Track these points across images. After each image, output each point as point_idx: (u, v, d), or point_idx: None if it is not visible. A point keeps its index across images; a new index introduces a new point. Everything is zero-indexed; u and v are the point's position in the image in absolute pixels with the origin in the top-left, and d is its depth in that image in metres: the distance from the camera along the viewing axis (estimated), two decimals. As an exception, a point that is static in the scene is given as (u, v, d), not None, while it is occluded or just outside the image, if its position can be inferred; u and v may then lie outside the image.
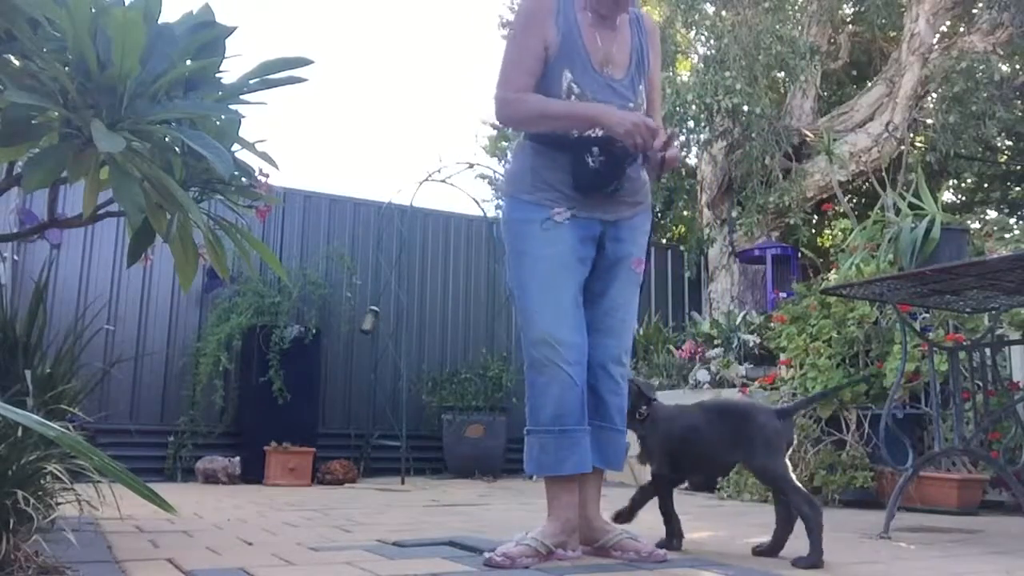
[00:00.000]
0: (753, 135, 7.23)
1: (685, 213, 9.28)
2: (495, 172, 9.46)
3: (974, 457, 3.73)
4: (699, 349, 6.14)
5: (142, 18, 1.87)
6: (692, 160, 8.46)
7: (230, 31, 2.19)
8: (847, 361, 4.51)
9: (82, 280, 5.72)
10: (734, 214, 7.90)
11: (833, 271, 5.02)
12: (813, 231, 8.98)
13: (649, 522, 2.44)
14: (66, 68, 1.92)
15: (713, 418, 2.36)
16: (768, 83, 7.89)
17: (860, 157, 7.56)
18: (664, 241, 8.82)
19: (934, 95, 7.75)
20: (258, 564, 1.97)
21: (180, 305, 6.04)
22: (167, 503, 1.15)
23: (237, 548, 2.29)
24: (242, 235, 2.46)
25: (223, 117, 2.25)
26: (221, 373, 5.70)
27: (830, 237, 9.25)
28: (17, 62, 2.01)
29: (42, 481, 1.83)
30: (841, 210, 7.51)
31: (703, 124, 7.43)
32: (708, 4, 7.89)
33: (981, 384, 3.15)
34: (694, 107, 7.05)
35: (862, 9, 9.01)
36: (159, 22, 2.07)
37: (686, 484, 4.96)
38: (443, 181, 6.76)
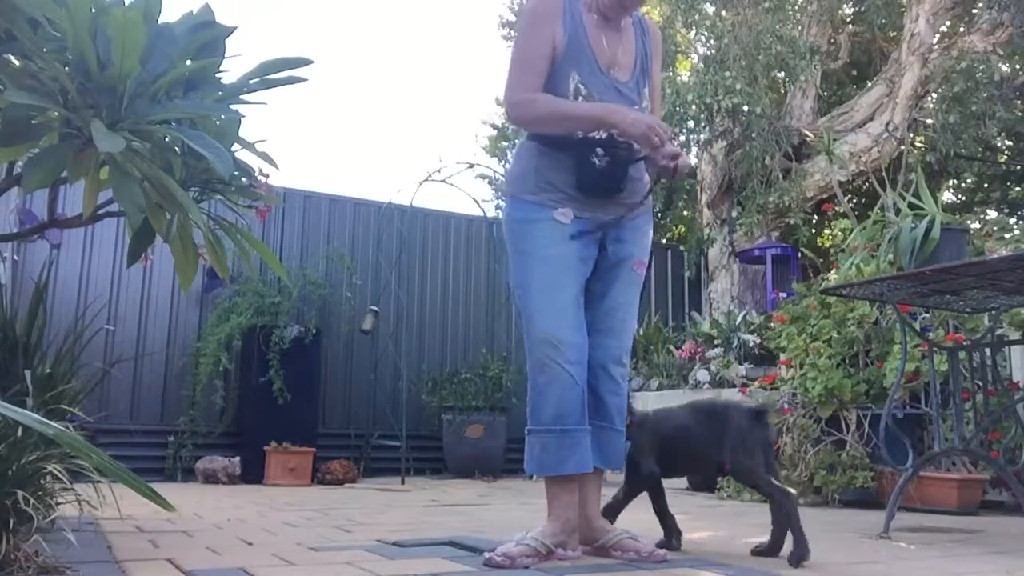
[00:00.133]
0: (753, 135, 7.23)
1: (685, 213, 9.29)
2: (495, 172, 9.46)
3: (974, 457, 3.73)
4: (699, 349, 6.14)
5: (142, 18, 1.87)
6: (692, 160, 8.45)
7: (230, 31, 2.19)
8: (847, 361, 4.51)
9: (82, 280, 5.72)
10: (734, 214, 7.90)
11: (833, 271, 5.01)
12: (813, 231, 8.98)
13: (649, 522, 2.44)
14: (66, 68, 1.92)
15: (694, 418, 2.39)
16: (768, 83, 7.90)
17: (860, 157, 7.56)
18: (664, 241, 8.82)
19: (934, 95, 7.75)
20: (258, 564, 1.97)
21: (180, 305, 6.05)
22: (167, 502, 1.15)
23: (237, 548, 2.29)
24: (242, 235, 2.46)
25: (223, 117, 2.25)
26: (221, 373, 5.70)
27: (830, 237, 9.25)
28: (17, 62, 2.00)
29: (42, 481, 1.83)
30: (841, 210, 7.51)
31: (703, 124, 7.43)
32: (708, 4, 7.89)
33: (981, 384, 3.15)
34: (694, 107, 7.05)
35: (862, 9, 9.01)
36: (159, 22, 2.07)
37: (687, 484, 4.98)
38: (443, 181, 6.77)
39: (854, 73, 9.74)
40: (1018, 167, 10.07)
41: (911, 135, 7.87)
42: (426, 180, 6.71)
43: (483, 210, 7.47)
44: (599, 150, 2.20)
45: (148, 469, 5.45)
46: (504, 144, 11.20)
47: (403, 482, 5.65)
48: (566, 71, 2.23)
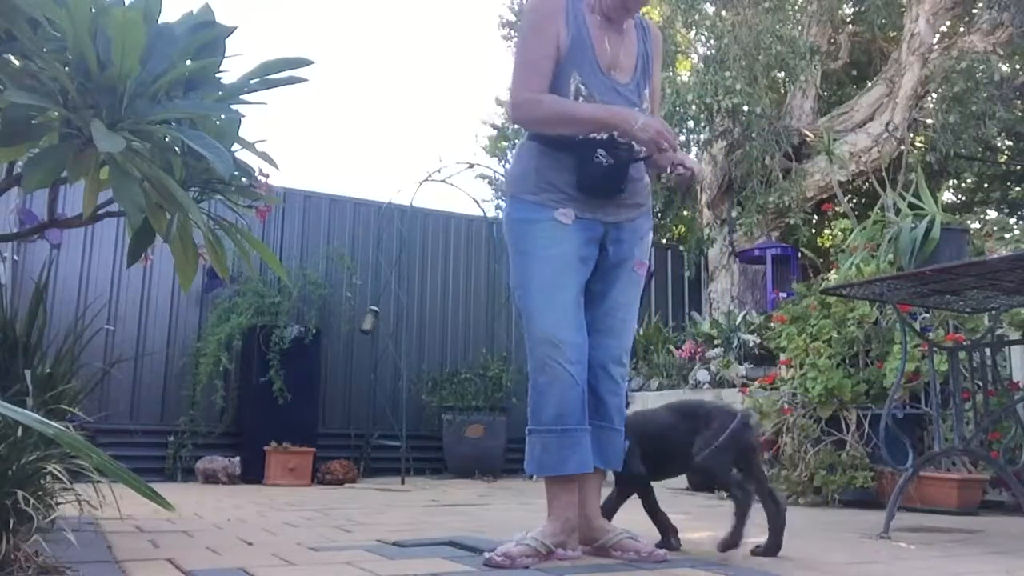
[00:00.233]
0: (753, 135, 7.23)
1: (685, 213, 9.28)
2: (495, 172, 9.47)
3: (974, 457, 3.73)
4: (699, 349, 6.14)
5: (142, 18, 1.87)
6: (690, 159, 8.45)
7: (230, 31, 2.19)
8: (847, 361, 4.51)
9: (82, 280, 5.72)
10: (734, 214, 7.91)
11: (833, 271, 5.01)
12: (813, 231, 8.98)
13: (649, 522, 2.44)
14: (66, 68, 1.92)
15: (677, 419, 2.40)
16: (768, 83, 7.90)
17: (860, 157, 7.56)
18: (664, 241, 8.82)
19: (934, 95, 7.75)
20: (258, 564, 1.97)
21: (180, 305, 6.05)
22: (166, 501, 1.15)
23: (237, 548, 2.29)
24: (242, 235, 2.46)
25: (223, 117, 2.25)
26: (221, 373, 5.70)
27: (830, 237, 9.26)
28: (17, 62, 2.01)
29: (42, 481, 1.83)
30: (841, 210, 7.51)
31: (703, 124, 7.44)
32: (708, 4, 7.89)
33: (981, 384, 3.15)
34: (694, 107, 7.05)
35: (862, 9, 9.02)
36: (159, 22, 2.07)
37: (686, 484, 4.98)
38: (443, 181, 6.77)
39: (854, 73, 9.74)
40: (1018, 167, 10.07)
41: (911, 135, 7.87)
42: (426, 180, 6.72)
43: (483, 210, 7.48)
44: (600, 151, 2.20)
45: (148, 469, 5.45)
46: (504, 144, 11.20)
47: (403, 482, 5.65)
48: (568, 72, 2.23)
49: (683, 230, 9.30)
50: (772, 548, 2.28)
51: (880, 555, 2.39)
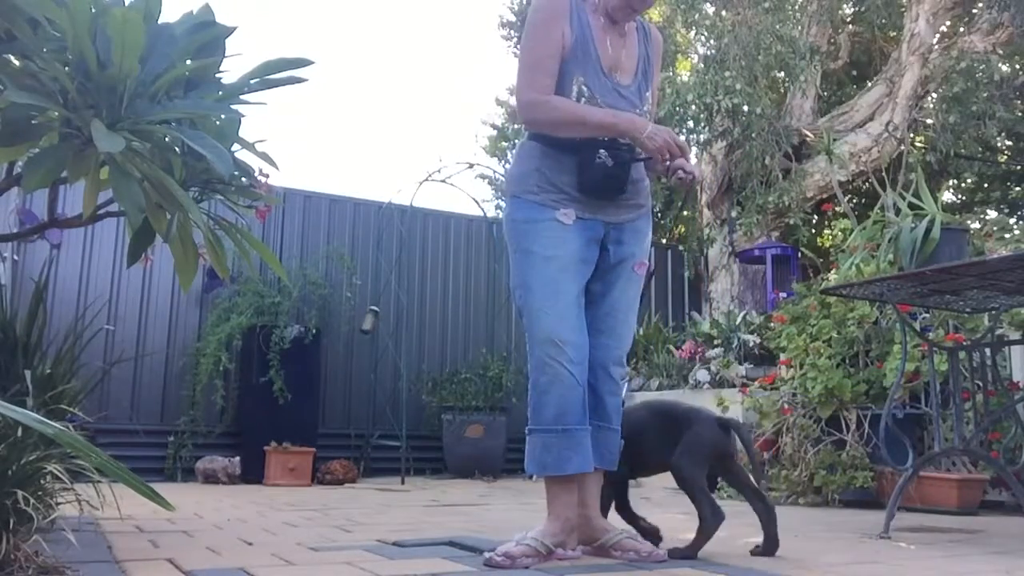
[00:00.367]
0: (753, 135, 7.23)
1: (685, 213, 9.29)
2: (495, 172, 9.47)
3: (974, 457, 3.73)
4: (699, 349, 6.14)
5: (142, 18, 1.87)
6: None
7: (230, 31, 2.19)
8: (847, 361, 4.51)
9: (82, 280, 5.72)
10: (734, 214, 7.91)
11: (833, 271, 5.02)
12: (813, 231, 8.98)
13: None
14: (66, 68, 1.92)
15: (653, 419, 2.39)
16: (768, 83, 7.90)
17: (860, 157, 7.56)
18: (664, 241, 8.82)
19: (934, 95, 7.75)
20: (258, 564, 1.97)
21: (180, 305, 6.05)
22: (166, 501, 1.15)
23: (237, 548, 2.29)
24: (242, 235, 2.46)
25: (223, 117, 2.25)
26: (221, 373, 5.70)
27: (830, 237, 9.26)
28: (17, 62, 2.01)
29: (42, 481, 1.83)
30: (841, 210, 7.51)
31: (703, 124, 7.43)
32: (708, 4, 7.89)
33: (981, 384, 3.15)
34: (694, 107, 7.05)
35: (862, 9, 9.02)
36: (159, 22, 2.07)
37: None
38: (443, 181, 6.77)
39: (854, 73, 9.75)
40: (1018, 167, 10.07)
41: (911, 135, 7.88)
42: (426, 180, 6.72)
43: (483, 210, 7.48)
44: (602, 151, 2.20)
45: (148, 469, 5.45)
46: (504, 144, 11.21)
47: (403, 482, 5.65)
48: (571, 73, 2.24)
49: (683, 230, 9.30)
50: (770, 546, 2.28)
51: (880, 555, 2.39)
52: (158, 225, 2.18)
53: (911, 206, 2.96)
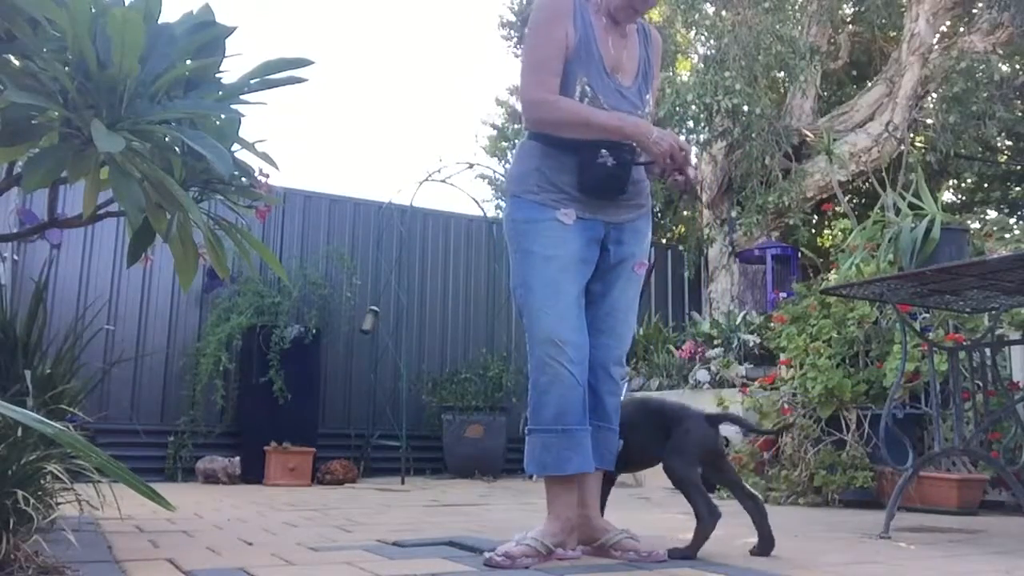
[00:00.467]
0: (753, 135, 7.23)
1: (685, 213, 9.29)
2: (495, 172, 9.48)
3: (974, 457, 3.73)
4: (699, 349, 6.14)
5: (142, 18, 1.87)
6: (692, 160, 8.45)
7: (230, 31, 2.19)
8: (847, 361, 4.51)
9: (82, 280, 5.72)
10: (734, 214, 7.91)
11: (833, 271, 5.02)
12: (813, 231, 8.98)
13: (649, 522, 2.44)
14: (66, 68, 1.92)
15: (644, 415, 2.39)
16: (768, 83, 7.90)
17: (860, 157, 7.56)
18: (664, 241, 8.82)
19: (934, 95, 7.76)
20: (258, 564, 1.97)
21: (180, 305, 6.05)
22: (167, 501, 1.15)
23: (237, 548, 2.29)
24: (242, 235, 2.46)
25: (223, 117, 2.25)
26: (221, 373, 5.70)
27: (830, 237, 9.26)
28: (17, 62, 2.01)
29: (42, 481, 1.83)
30: (841, 210, 7.51)
31: (703, 124, 7.44)
32: (708, 4, 7.90)
33: (981, 384, 3.15)
34: (694, 107, 7.05)
35: (862, 9, 9.02)
36: (159, 22, 2.07)
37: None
38: (443, 181, 6.77)
39: (854, 73, 9.75)
40: (1018, 167, 10.08)
41: (911, 135, 7.88)
42: (426, 180, 6.72)
43: (483, 210, 7.48)
44: (604, 151, 2.20)
45: (148, 469, 5.45)
46: (504, 144, 11.21)
47: (403, 482, 5.65)
48: (575, 73, 2.23)
49: (683, 230, 9.30)
50: (766, 545, 2.28)
51: (880, 555, 2.39)
52: (158, 225, 2.18)
53: (911, 206, 2.96)
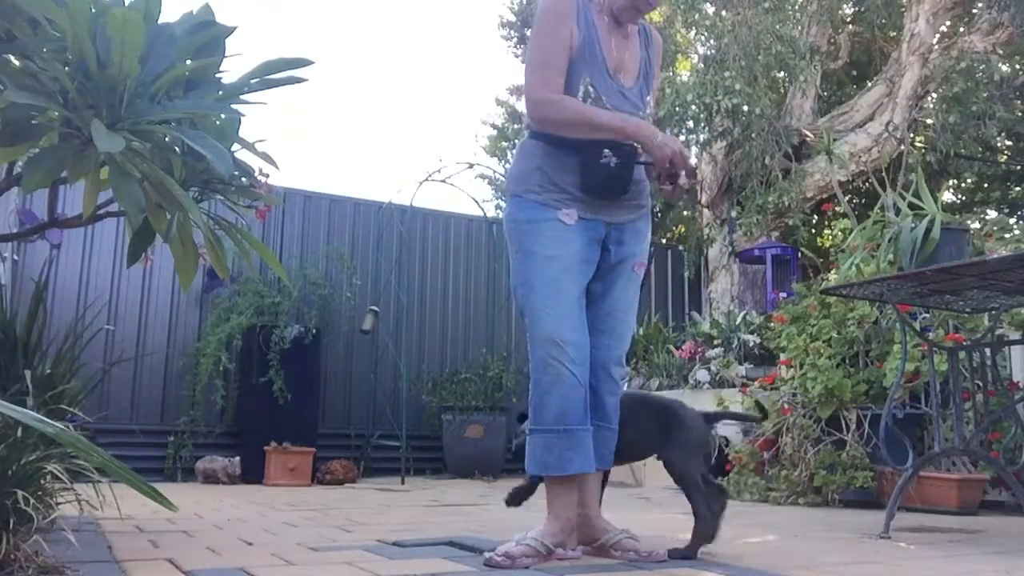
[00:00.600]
0: (753, 135, 7.23)
1: (685, 213, 9.29)
2: (495, 172, 9.48)
3: (974, 457, 3.73)
4: (699, 349, 6.14)
5: (142, 18, 1.87)
6: (692, 160, 8.46)
7: (230, 31, 2.19)
8: (847, 361, 4.51)
9: (82, 280, 5.72)
10: (734, 214, 7.91)
11: (833, 271, 5.02)
12: (813, 231, 8.98)
13: (649, 522, 2.44)
14: (66, 68, 1.92)
15: (639, 410, 2.38)
16: (768, 83, 7.90)
17: (860, 157, 7.56)
18: (664, 241, 8.82)
19: (934, 95, 7.76)
20: (258, 564, 1.97)
21: (180, 305, 6.05)
22: (168, 501, 1.15)
23: (237, 548, 2.29)
24: (242, 235, 2.46)
25: (223, 117, 2.25)
26: (221, 373, 5.70)
27: (830, 237, 9.26)
28: (17, 62, 2.01)
29: (42, 481, 1.83)
30: (841, 210, 7.51)
31: (703, 124, 7.44)
32: (708, 4, 7.90)
33: (981, 384, 3.15)
34: (694, 107, 7.05)
35: (862, 9, 9.02)
36: (159, 22, 2.07)
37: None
38: (443, 181, 6.77)
39: (854, 73, 9.74)
40: (1018, 167, 10.08)
41: (911, 135, 7.88)
42: (426, 180, 6.72)
43: (483, 210, 7.48)
44: (606, 151, 2.20)
45: (148, 469, 5.45)
46: (504, 144, 11.21)
47: (403, 482, 5.65)
48: (578, 73, 2.23)
49: (683, 230, 9.31)
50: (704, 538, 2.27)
51: (880, 555, 2.39)
52: (158, 225, 2.18)
53: (911, 206, 2.96)
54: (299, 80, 2.22)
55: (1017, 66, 8.51)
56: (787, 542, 2.33)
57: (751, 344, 5.93)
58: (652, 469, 2.51)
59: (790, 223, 7.57)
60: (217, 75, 2.21)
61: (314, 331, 5.82)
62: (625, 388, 2.42)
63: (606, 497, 2.43)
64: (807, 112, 8.15)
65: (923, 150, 8.30)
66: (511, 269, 2.30)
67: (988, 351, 3.18)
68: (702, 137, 7.74)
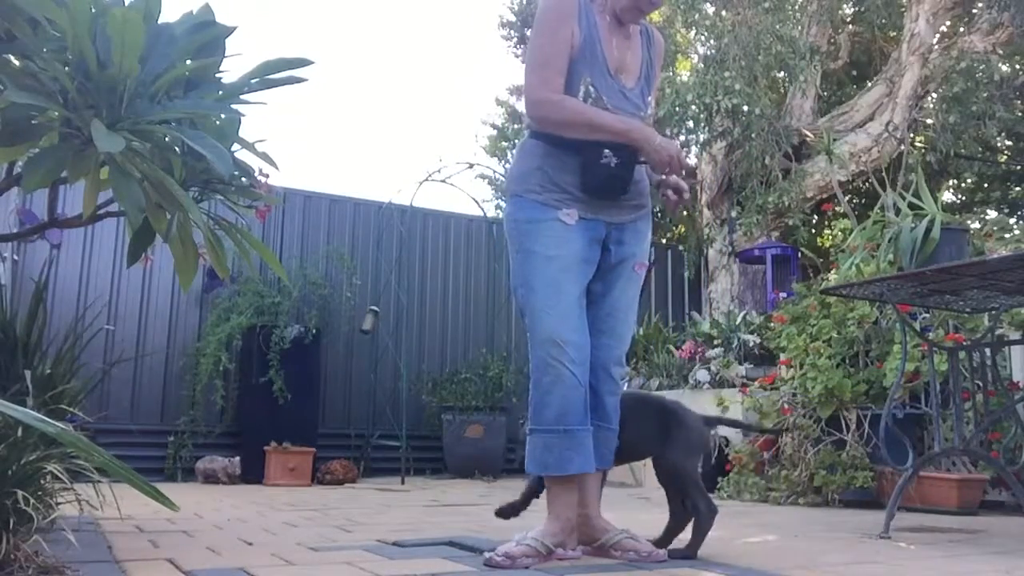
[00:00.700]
0: (753, 135, 7.23)
1: (685, 213, 9.28)
2: (495, 172, 9.48)
3: (974, 457, 3.73)
4: (699, 349, 6.14)
5: (142, 18, 1.87)
6: (692, 160, 8.47)
7: (230, 31, 2.19)
8: (847, 361, 4.51)
9: (82, 280, 5.72)
10: (734, 214, 7.91)
11: (833, 271, 5.02)
12: (813, 231, 8.98)
13: (650, 522, 2.44)
14: (66, 68, 1.92)
15: (639, 410, 2.38)
16: (768, 83, 7.89)
17: (860, 157, 7.56)
18: (664, 241, 8.82)
19: (934, 95, 7.75)
20: (258, 564, 1.98)
21: (180, 305, 6.05)
22: (170, 500, 1.16)
23: (237, 548, 2.29)
24: (242, 235, 2.46)
25: (223, 117, 2.25)
26: (221, 373, 5.70)
27: (830, 237, 9.26)
28: (17, 62, 2.01)
29: (42, 481, 1.83)
30: (841, 210, 7.51)
31: (703, 124, 7.43)
32: (708, 4, 7.89)
33: (981, 384, 3.15)
34: (694, 107, 7.05)
35: (862, 9, 9.02)
36: (159, 22, 2.07)
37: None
38: (443, 181, 6.77)
39: (854, 73, 9.74)
40: (1018, 167, 10.08)
41: (911, 135, 7.88)
42: (426, 180, 6.72)
43: (483, 210, 7.48)
44: (606, 151, 2.20)
45: (148, 469, 5.44)
46: (504, 144, 11.21)
47: (403, 482, 5.65)
48: (579, 73, 2.23)
49: (683, 230, 9.30)
50: (665, 541, 2.27)
51: (880, 555, 2.39)
52: (158, 225, 2.18)
53: (911, 206, 2.96)
54: (299, 80, 2.22)
55: (1017, 66, 8.51)
56: (787, 542, 2.33)
57: (751, 344, 5.93)
58: (652, 469, 2.50)
59: (790, 223, 7.57)
60: (217, 75, 2.21)
61: (314, 331, 5.82)
62: (625, 388, 2.41)
63: (606, 497, 2.43)
64: (807, 112, 8.15)
65: (923, 150, 8.31)
66: (511, 269, 2.30)
67: (988, 351, 3.18)
68: (702, 137, 7.74)
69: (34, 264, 5.19)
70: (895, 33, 8.53)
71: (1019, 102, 8.40)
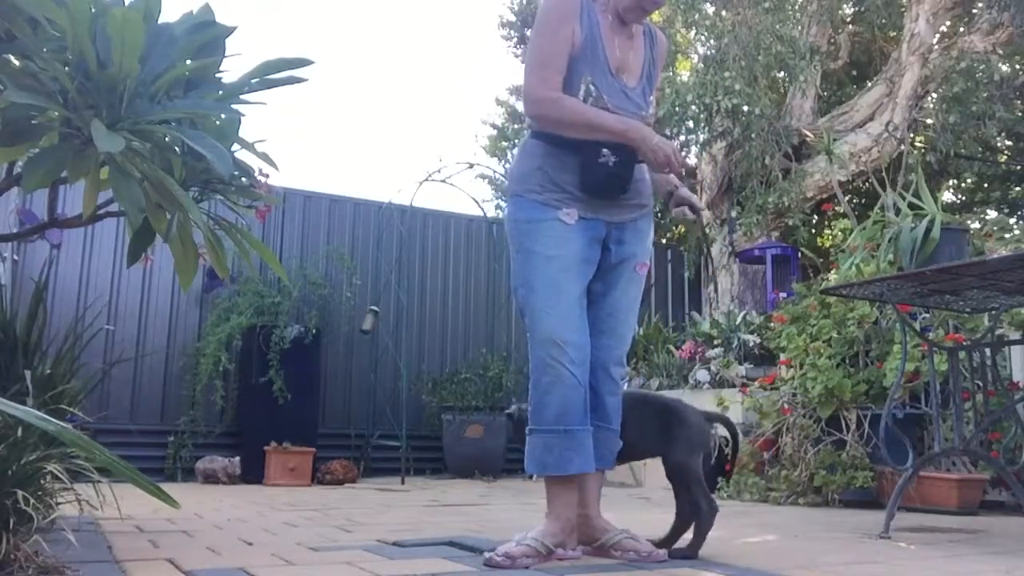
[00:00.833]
0: (753, 135, 7.23)
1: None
2: (495, 172, 9.48)
3: (974, 457, 3.73)
4: (699, 349, 6.14)
5: (142, 18, 1.87)
6: (692, 160, 8.47)
7: (230, 31, 2.19)
8: (847, 361, 4.51)
9: (82, 280, 5.72)
10: (734, 214, 7.91)
11: (833, 271, 5.02)
12: (813, 231, 8.97)
13: (650, 522, 2.44)
14: (66, 68, 1.92)
15: (640, 409, 2.38)
16: (768, 83, 7.89)
17: (860, 157, 7.56)
18: (664, 241, 8.82)
19: (934, 95, 7.75)
20: (258, 564, 1.98)
21: (180, 305, 6.04)
22: (172, 499, 1.16)
23: (237, 548, 2.29)
24: (242, 235, 2.46)
25: (223, 117, 2.25)
26: (221, 373, 5.70)
27: (830, 237, 9.26)
28: (17, 62, 2.01)
29: (42, 481, 1.83)
30: (841, 210, 7.51)
31: (703, 124, 7.43)
32: (708, 4, 7.89)
33: (981, 384, 3.15)
34: (694, 107, 7.05)
35: (862, 9, 9.02)
36: (159, 22, 2.07)
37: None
38: (443, 181, 6.77)
39: (854, 73, 9.74)
40: (1018, 167, 10.08)
41: (911, 135, 7.87)
42: (426, 180, 6.72)
43: (483, 210, 7.48)
44: (605, 150, 2.20)
45: (148, 469, 5.44)
46: (504, 144, 11.21)
47: (403, 482, 5.65)
48: (580, 72, 2.23)
49: (683, 230, 9.30)
50: (669, 541, 2.27)
51: (880, 555, 2.39)
52: (158, 225, 2.18)
53: (911, 206, 2.96)
54: (299, 80, 2.22)
55: (1017, 66, 8.51)
56: (787, 542, 2.33)
57: (751, 344, 5.93)
58: (652, 469, 2.51)
59: (790, 223, 7.57)
60: (217, 75, 2.21)
61: (314, 331, 5.82)
62: (625, 387, 2.41)
63: (606, 497, 2.43)
64: (807, 112, 8.15)
65: (923, 150, 8.31)
66: (512, 269, 2.30)
67: (988, 351, 3.18)
68: (702, 137, 7.74)
69: (34, 264, 5.19)
70: (895, 33, 8.53)
71: (1019, 102, 8.40)
